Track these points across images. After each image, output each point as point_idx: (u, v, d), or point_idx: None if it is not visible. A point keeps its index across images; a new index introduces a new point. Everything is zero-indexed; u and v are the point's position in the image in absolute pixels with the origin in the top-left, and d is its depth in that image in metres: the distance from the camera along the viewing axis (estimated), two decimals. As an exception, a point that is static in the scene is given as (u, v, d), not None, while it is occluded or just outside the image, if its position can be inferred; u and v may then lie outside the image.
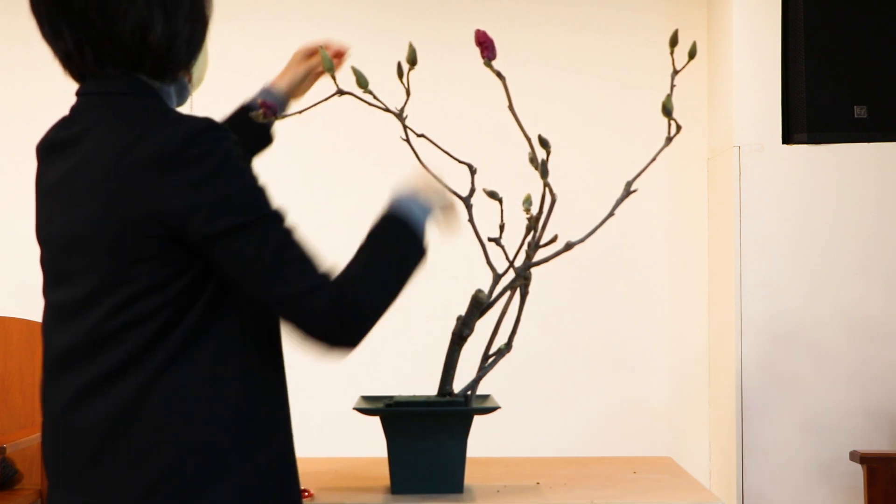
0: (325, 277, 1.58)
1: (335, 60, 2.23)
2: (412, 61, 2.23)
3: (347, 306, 1.57)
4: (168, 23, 1.68)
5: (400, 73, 2.26)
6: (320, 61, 2.23)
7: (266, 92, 2.22)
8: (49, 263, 1.71)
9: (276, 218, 1.60)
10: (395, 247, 1.67)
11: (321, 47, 2.21)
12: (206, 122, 1.61)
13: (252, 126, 2.15)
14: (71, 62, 1.71)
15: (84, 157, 1.64)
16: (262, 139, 2.23)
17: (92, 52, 1.68)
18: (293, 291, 1.57)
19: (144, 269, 1.59)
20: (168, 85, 1.74)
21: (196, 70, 1.84)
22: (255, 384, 1.66)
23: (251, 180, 1.61)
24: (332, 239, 4.20)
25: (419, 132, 2.26)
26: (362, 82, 2.31)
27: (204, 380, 1.60)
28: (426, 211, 1.72)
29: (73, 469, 1.64)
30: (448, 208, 1.80)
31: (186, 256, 1.60)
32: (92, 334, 1.62)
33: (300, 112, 2.21)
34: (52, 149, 1.72)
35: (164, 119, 1.63)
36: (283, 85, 2.24)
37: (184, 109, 1.77)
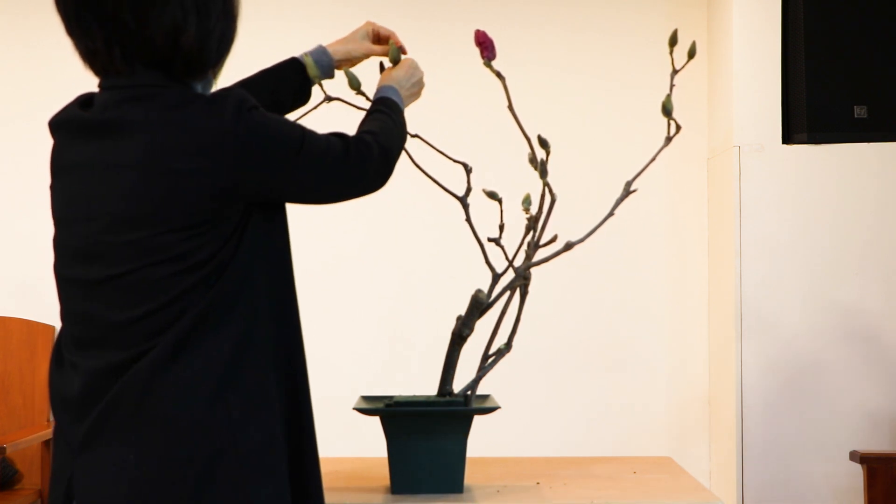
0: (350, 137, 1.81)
1: (384, 45, 2.25)
2: (395, 60, 2.22)
3: (379, 147, 1.83)
4: (201, 24, 1.66)
5: (382, 71, 2.23)
6: (384, 50, 2.24)
7: (322, 51, 2.20)
8: (76, 239, 1.68)
9: (307, 134, 1.73)
10: (390, 115, 1.96)
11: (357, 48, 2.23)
12: (241, 94, 1.68)
13: (293, 81, 2.17)
14: (95, 59, 1.68)
15: (127, 141, 1.63)
16: (301, 97, 2.22)
17: (121, 51, 1.65)
18: (343, 158, 1.77)
19: (189, 246, 1.62)
20: (196, 82, 1.72)
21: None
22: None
23: (284, 122, 1.73)
24: (331, 238, 4.22)
25: (413, 132, 2.25)
26: (354, 84, 2.31)
27: (236, 347, 1.65)
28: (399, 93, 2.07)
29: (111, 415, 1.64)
30: (418, 83, 2.14)
31: (231, 229, 1.65)
32: (136, 309, 1.62)
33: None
34: (76, 128, 1.69)
35: (202, 100, 1.65)
36: (338, 53, 2.22)
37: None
